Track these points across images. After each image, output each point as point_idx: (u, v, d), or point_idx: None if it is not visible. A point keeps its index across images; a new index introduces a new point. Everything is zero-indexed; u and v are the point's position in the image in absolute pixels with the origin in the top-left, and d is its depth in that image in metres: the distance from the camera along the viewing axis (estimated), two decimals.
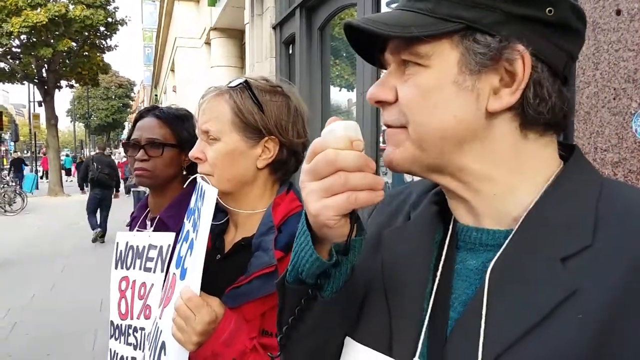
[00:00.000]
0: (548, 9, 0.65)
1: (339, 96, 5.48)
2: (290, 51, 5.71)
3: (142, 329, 1.58)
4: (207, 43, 13.75)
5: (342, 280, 0.75)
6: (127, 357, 1.62)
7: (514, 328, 0.62)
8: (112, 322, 1.70)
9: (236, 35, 11.86)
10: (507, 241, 0.68)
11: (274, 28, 5.98)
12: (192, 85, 15.90)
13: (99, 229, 10.89)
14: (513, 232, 0.68)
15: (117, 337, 1.67)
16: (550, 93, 0.67)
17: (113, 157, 23.00)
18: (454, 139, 0.69)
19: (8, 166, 24.37)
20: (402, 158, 0.73)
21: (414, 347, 0.70)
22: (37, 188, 21.44)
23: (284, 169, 1.38)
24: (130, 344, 1.62)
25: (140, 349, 1.58)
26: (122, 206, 12.81)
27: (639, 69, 1.55)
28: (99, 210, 11.15)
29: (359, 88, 3.82)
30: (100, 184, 10.95)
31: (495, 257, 0.67)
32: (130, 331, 1.62)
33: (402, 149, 0.72)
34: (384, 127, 0.76)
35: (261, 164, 1.33)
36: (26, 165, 24.23)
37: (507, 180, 0.70)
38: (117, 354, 1.66)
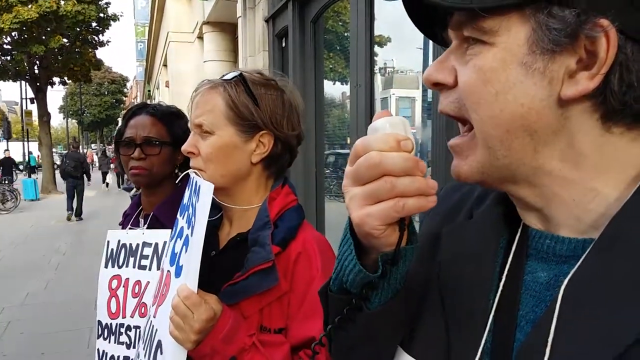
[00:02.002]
0: None
1: (333, 90, 5.48)
2: (284, 44, 5.67)
3: (137, 327, 1.56)
4: (200, 37, 13.67)
5: (390, 291, 0.68)
6: (118, 357, 1.60)
7: None
8: (99, 322, 1.66)
9: (229, 29, 11.79)
10: (585, 253, 0.57)
11: (267, 21, 5.93)
12: (185, 80, 15.82)
13: (71, 212, 14.17)
14: (593, 242, 0.57)
15: (105, 336, 1.64)
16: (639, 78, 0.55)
17: (108, 152, 23.18)
18: (524, 131, 0.58)
19: None
20: (470, 167, 0.64)
21: None
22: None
23: (279, 163, 1.36)
24: (122, 343, 1.60)
25: (135, 347, 1.56)
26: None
27: None
28: (75, 196, 14.25)
29: (353, 81, 3.79)
30: (67, 174, 14.32)
31: (571, 273, 0.57)
32: (122, 330, 1.60)
33: (471, 157, 0.63)
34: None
35: (255, 158, 1.31)
36: (19, 169, 23.62)
37: (588, 183, 0.59)
38: (107, 353, 1.64)
